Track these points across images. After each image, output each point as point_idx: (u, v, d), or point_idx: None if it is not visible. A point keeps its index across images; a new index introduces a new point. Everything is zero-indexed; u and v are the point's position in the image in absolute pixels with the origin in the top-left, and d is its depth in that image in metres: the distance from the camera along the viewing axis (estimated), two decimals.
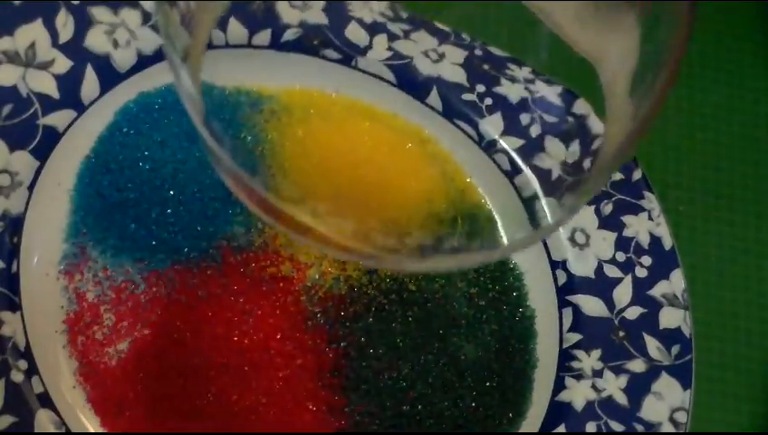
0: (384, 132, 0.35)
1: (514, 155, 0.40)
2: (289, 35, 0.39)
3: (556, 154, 0.45)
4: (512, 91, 0.39)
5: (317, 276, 0.29)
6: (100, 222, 0.40)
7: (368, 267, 0.32)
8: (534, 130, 0.41)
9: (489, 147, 0.40)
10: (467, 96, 0.39)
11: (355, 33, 0.40)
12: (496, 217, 0.38)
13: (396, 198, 0.32)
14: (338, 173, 0.31)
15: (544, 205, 0.36)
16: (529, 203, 0.37)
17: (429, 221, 0.32)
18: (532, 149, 0.39)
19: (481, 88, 0.40)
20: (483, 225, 0.35)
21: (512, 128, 0.40)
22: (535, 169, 0.38)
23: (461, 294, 0.31)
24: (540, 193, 0.35)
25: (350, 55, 0.40)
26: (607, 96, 0.30)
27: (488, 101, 0.39)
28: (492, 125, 0.40)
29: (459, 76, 0.39)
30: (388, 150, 0.35)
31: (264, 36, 0.41)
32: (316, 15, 0.39)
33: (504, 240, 0.37)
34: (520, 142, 0.40)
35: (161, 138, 0.41)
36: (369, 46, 0.38)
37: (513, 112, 0.40)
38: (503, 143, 0.40)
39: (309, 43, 0.39)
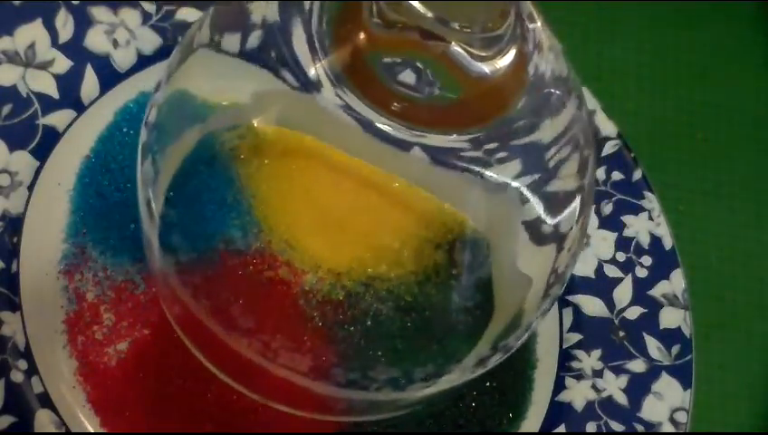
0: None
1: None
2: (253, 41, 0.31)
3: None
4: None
5: (314, 281, 0.29)
6: (100, 222, 0.40)
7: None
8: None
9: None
10: (470, 153, 0.30)
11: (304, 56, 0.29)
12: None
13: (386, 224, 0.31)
14: (319, 199, 0.30)
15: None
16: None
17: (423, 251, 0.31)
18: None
19: (492, 145, 0.29)
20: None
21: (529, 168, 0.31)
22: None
23: (459, 305, 0.31)
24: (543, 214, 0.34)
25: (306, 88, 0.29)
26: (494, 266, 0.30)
27: (501, 154, 0.29)
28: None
29: (450, 142, 0.29)
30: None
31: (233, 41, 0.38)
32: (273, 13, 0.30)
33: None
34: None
35: None
36: (320, 84, 0.28)
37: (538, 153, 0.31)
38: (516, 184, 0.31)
39: (267, 55, 0.30)
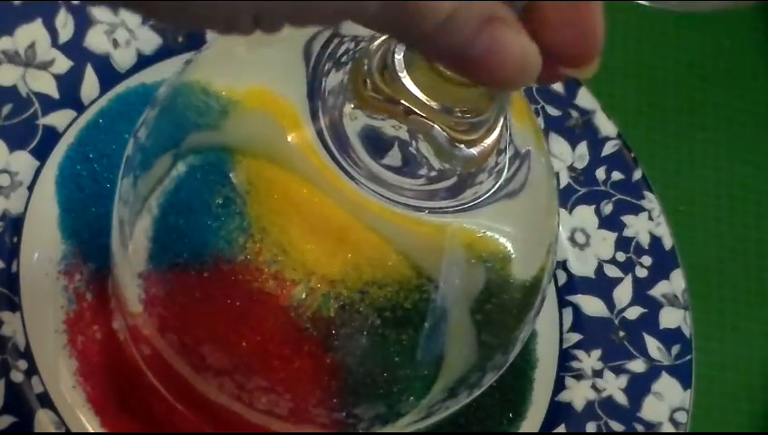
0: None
1: None
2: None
3: (561, 155, 0.45)
4: None
5: (303, 296, 0.29)
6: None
7: None
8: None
9: None
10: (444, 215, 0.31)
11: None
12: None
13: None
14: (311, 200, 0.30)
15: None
16: None
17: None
18: None
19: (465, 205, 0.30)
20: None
21: None
22: None
23: (461, 310, 0.31)
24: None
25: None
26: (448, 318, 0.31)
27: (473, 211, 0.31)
28: None
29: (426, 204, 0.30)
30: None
31: None
32: None
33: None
34: None
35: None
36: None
37: None
38: None
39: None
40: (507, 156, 0.30)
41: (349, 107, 0.29)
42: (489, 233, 0.31)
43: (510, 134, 0.30)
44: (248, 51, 0.31)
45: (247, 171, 0.30)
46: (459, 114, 0.28)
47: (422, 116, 0.27)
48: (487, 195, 0.29)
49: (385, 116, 0.28)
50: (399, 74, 0.27)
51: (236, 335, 0.30)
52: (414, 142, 0.28)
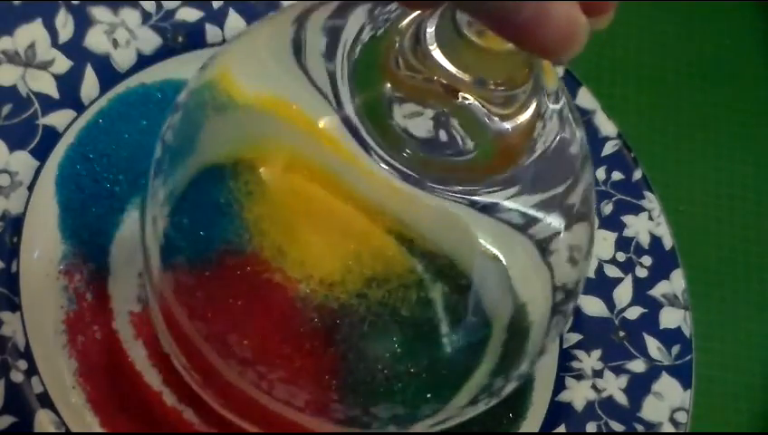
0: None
1: None
2: None
3: None
4: None
5: (308, 290, 0.29)
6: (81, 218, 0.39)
7: None
8: None
9: None
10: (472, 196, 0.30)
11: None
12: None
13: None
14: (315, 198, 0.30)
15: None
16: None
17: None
18: None
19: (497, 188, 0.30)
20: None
21: None
22: None
23: (461, 320, 0.30)
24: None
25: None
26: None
27: (504, 194, 0.30)
28: None
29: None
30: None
31: None
32: None
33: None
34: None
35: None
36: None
37: None
38: None
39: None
40: (545, 135, 0.29)
41: (382, 87, 0.28)
42: (521, 225, 0.30)
43: (545, 112, 0.29)
44: (256, 54, 0.31)
45: (259, 170, 0.30)
46: (493, 86, 0.27)
47: (455, 90, 0.27)
48: (524, 180, 0.29)
49: (419, 94, 0.28)
50: (430, 47, 0.27)
51: (250, 328, 0.30)
52: (447, 120, 0.28)
